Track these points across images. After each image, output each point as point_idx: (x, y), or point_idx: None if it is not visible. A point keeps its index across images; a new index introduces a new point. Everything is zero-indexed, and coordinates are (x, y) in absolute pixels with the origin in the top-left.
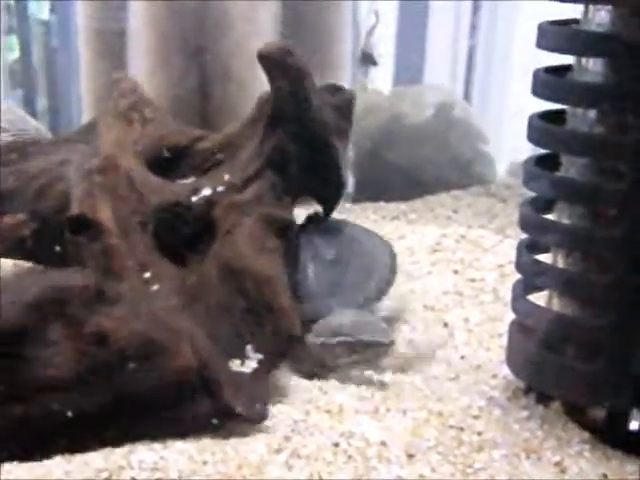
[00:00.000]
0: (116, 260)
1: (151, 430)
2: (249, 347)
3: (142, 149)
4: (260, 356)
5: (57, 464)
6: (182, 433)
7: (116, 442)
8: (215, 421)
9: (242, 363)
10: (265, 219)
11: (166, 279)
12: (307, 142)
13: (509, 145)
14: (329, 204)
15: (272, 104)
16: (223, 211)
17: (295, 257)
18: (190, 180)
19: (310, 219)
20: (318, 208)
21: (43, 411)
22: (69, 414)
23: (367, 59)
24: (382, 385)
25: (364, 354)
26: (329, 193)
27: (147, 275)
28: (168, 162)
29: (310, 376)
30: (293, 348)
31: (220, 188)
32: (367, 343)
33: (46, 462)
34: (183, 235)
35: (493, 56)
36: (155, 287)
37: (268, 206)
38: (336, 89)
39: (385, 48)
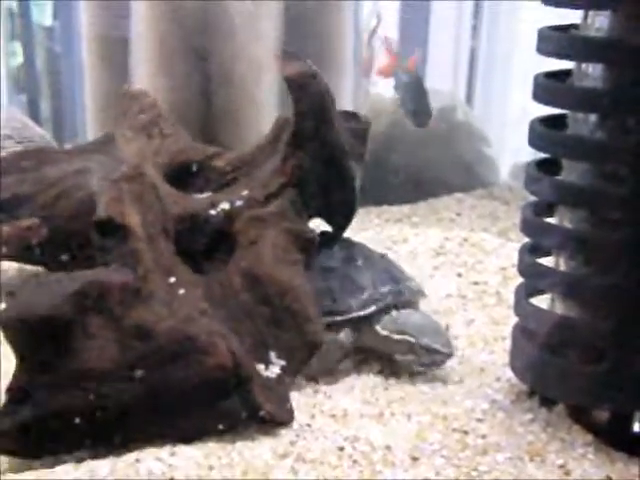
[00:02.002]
0: (143, 264)
1: (186, 425)
2: (272, 353)
3: (161, 162)
4: (283, 362)
5: (66, 472)
6: (213, 430)
7: (155, 437)
8: (246, 420)
9: (266, 368)
10: (289, 233)
11: (190, 285)
12: (325, 163)
13: (511, 148)
14: (340, 225)
15: (295, 124)
16: (245, 224)
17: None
18: (205, 195)
19: (322, 237)
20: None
21: (86, 401)
22: (111, 405)
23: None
24: (388, 388)
25: (421, 357)
26: (341, 214)
27: (172, 280)
28: (184, 177)
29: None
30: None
31: (239, 203)
32: (427, 348)
33: (56, 470)
34: (200, 246)
35: (495, 59)
36: (181, 291)
37: (289, 221)
38: (352, 116)
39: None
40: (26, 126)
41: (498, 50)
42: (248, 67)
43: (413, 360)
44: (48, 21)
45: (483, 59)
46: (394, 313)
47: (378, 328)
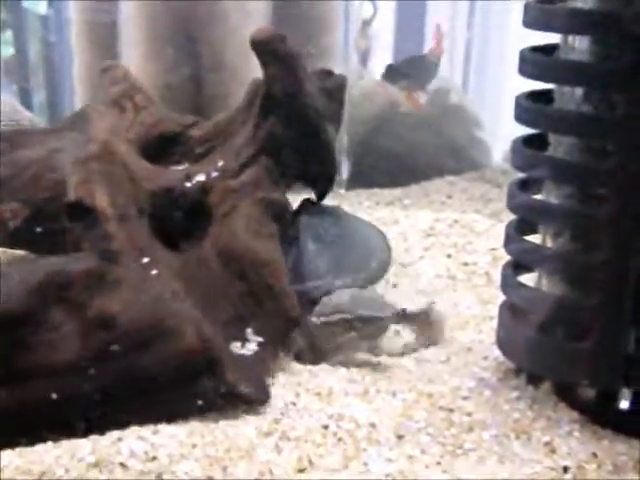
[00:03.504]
0: (114, 245)
1: (156, 412)
2: (249, 330)
3: (134, 136)
4: (260, 339)
5: (46, 450)
6: (185, 414)
7: (119, 425)
8: (219, 402)
9: (242, 345)
10: (262, 203)
11: (164, 264)
12: (299, 128)
13: (505, 131)
14: (322, 190)
15: (264, 90)
16: (219, 196)
17: (295, 238)
18: (183, 167)
19: (304, 205)
20: (307, 195)
21: (48, 394)
22: (74, 398)
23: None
24: (375, 366)
25: (363, 330)
26: (322, 178)
27: (145, 260)
28: (160, 149)
29: (304, 360)
30: (292, 331)
31: (214, 174)
32: (366, 318)
33: (36, 448)
34: (177, 221)
35: (490, 43)
36: (154, 272)
37: (264, 190)
38: (327, 74)
39: (384, 38)
40: (15, 109)
41: (493, 34)
42: (238, 51)
43: (355, 337)
44: (43, 9)
45: (478, 43)
46: (324, 299)
47: (314, 318)
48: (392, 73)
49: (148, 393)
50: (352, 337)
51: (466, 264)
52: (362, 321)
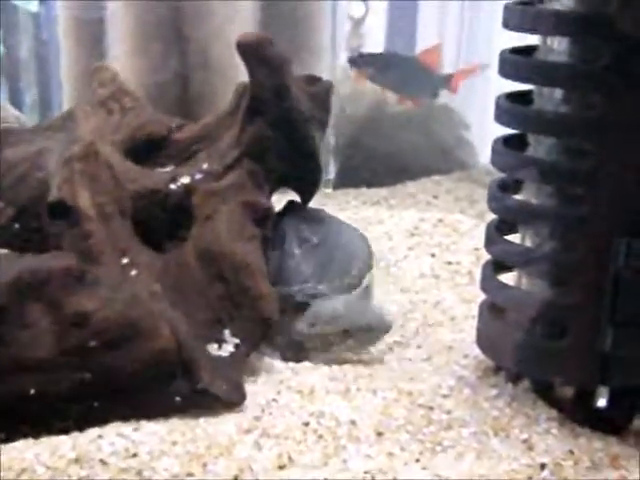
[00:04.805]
0: (94, 245)
1: (129, 410)
2: (226, 331)
3: (121, 138)
4: (237, 340)
5: (27, 446)
6: (159, 414)
7: (94, 423)
8: (192, 402)
9: (219, 347)
10: (244, 206)
11: (144, 265)
12: (285, 132)
13: (493, 132)
14: (306, 193)
15: (250, 94)
16: (201, 198)
17: (280, 241)
18: (168, 169)
19: (288, 208)
20: (293, 197)
21: (21, 392)
22: (48, 395)
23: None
24: (357, 364)
25: (360, 339)
26: (306, 183)
27: (125, 261)
28: (146, 151)
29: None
30: (272, 334)
31: (198, 176)
32: (363, 328)
33: (17, 444)
34: (161, 223)
35: (478, 44)
36: (133, 272)
37: (247, 194)
38: (314, 79)
39: (376, 36)
40: (1, 107)
41: (480, 35)
42: (225, 49)
43: (353, 345)
44: (34, 7)
45: (466, 43)
46: (314, 307)
47: (301, 326)
48: (358, 59)
49: (123, 392)
50: (349, 345)
51: (450, 263)
52: (360, 330)
